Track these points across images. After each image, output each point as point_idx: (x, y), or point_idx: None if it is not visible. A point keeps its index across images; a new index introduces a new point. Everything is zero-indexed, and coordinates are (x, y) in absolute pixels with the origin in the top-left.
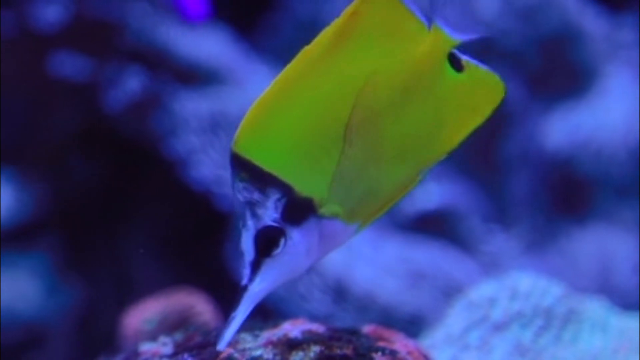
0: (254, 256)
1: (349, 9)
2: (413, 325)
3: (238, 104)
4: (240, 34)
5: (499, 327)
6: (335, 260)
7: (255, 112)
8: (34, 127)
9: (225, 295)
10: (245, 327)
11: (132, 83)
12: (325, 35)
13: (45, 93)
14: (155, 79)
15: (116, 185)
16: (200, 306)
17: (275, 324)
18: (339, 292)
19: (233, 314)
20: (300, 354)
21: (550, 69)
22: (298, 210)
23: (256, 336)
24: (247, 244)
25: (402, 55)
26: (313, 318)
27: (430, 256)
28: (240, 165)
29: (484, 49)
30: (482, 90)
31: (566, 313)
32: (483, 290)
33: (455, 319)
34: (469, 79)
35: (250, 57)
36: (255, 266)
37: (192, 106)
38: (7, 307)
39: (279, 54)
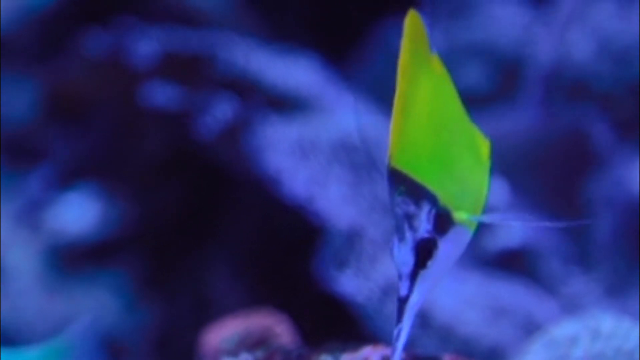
0: (412, 267)
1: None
2: (492, 359)
3: (327, 131)
4: (330, 63)
5: None
6: None
7: (399, 127)
8: (126, 149)
9: (307, 315)
10: (326, 348)
11: (222, 111)
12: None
13: (137, 118)
14: (245, 107)
15: (200, 206)
16: (280, 327)
17: (356, 348)
18: (421, 319)
19: (399, 326)
20: None
21: None
22: (443, 220)
23: (336, 358)
24: (404, 256)
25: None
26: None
27: (511, 292)
28: (398, 179)
29: (574, 90)
30: None
31: None
32: (564, 328)
33: (535, 355)
34: None
35: (340, 86)
36: (413, 277)
37: (282, 130)
38: None
39: (369, 85)
